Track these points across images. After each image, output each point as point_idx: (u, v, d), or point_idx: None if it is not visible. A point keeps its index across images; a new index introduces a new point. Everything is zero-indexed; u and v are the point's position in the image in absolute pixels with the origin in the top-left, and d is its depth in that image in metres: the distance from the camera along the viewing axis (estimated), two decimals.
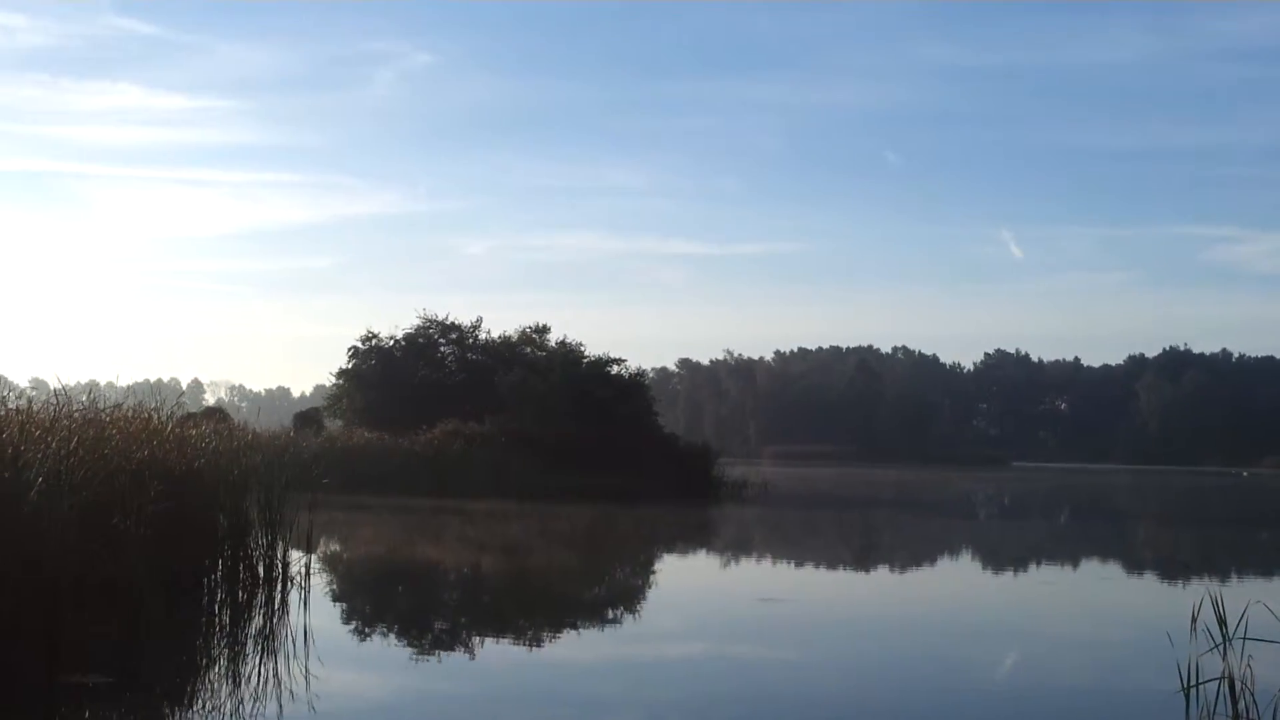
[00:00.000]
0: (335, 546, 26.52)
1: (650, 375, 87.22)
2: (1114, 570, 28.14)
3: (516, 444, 48.62)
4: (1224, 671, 8.58)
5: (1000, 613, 19.45)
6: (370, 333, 60.87)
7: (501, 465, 46.81)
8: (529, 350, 59.73)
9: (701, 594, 21.17)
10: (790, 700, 11.85)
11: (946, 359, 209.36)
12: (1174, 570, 25.38)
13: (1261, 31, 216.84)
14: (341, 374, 60.93)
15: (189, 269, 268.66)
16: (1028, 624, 18.18)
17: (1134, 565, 28.90)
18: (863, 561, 28.59)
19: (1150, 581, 25.02)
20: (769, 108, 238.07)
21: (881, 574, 26.29)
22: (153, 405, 18.14)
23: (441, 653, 14.57)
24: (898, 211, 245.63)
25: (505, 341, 61.09)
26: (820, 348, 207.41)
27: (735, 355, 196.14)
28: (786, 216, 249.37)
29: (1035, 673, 13.90)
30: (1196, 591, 9.05)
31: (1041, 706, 11.85)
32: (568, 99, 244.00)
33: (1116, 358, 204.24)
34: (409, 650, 14.71)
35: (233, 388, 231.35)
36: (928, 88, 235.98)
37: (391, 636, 15.88)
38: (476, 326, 61.63)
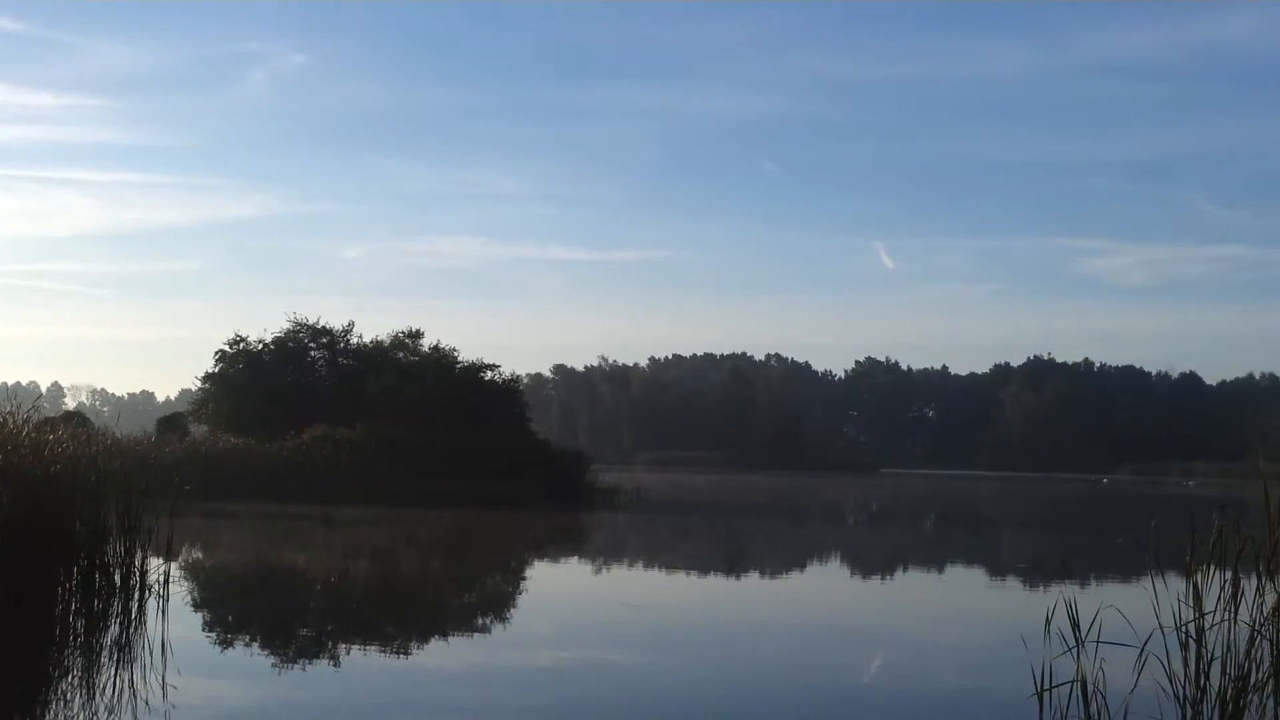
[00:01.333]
0: (197, 554, 25.94)
1: (524, 381, 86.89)
2: (977, 575, 28.73)
3: (387, 450, 48.05)
4: (1077, 674, 8.78)
5: (867, 617, 19.72)
6: (238, 336, 59.70)
7: (371, 471, 46.21)
8: (401, 355, 59.13)
9: (572, 600, 21.13)
10: (660, 705, 11.86)
11: (819, 367, 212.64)
12: (1034, 575, 25.98)
13: (1133, 48, 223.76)
14: (207, 378, 59.61)
15: (51, 270, 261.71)
16: (894, 628, 18.45)
17: (996, 570, 29.53)
18: (734, 567, 28.78)
19: (1011, 586, 25.57)
20: (648, 115, 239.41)
21: (752, 579, 26.49)
22: (8, 409, 17.53)
23: (306, 662, 14.30)
24: (774, 220, 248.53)
25: (377, 346, 60.39)
26: (695, 355, 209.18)
27: (610, 362, 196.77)
28: (664, 224, 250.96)
29: (900, 677, 14.11)
30: (1054, 596, 9.24)
31: (905, 710, 12.03)
32: (446, 103, 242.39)
33: (983, 366, 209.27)
34: (272, 659, 14.40)
35: (94, 391, 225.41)
36: (806, 98, 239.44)
37: (254, 646, 15.55)
38: (348, 331, 60.85)
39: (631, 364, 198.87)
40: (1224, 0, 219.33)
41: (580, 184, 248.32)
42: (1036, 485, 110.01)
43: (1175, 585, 9.14)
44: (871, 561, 30.88)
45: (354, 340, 60.86)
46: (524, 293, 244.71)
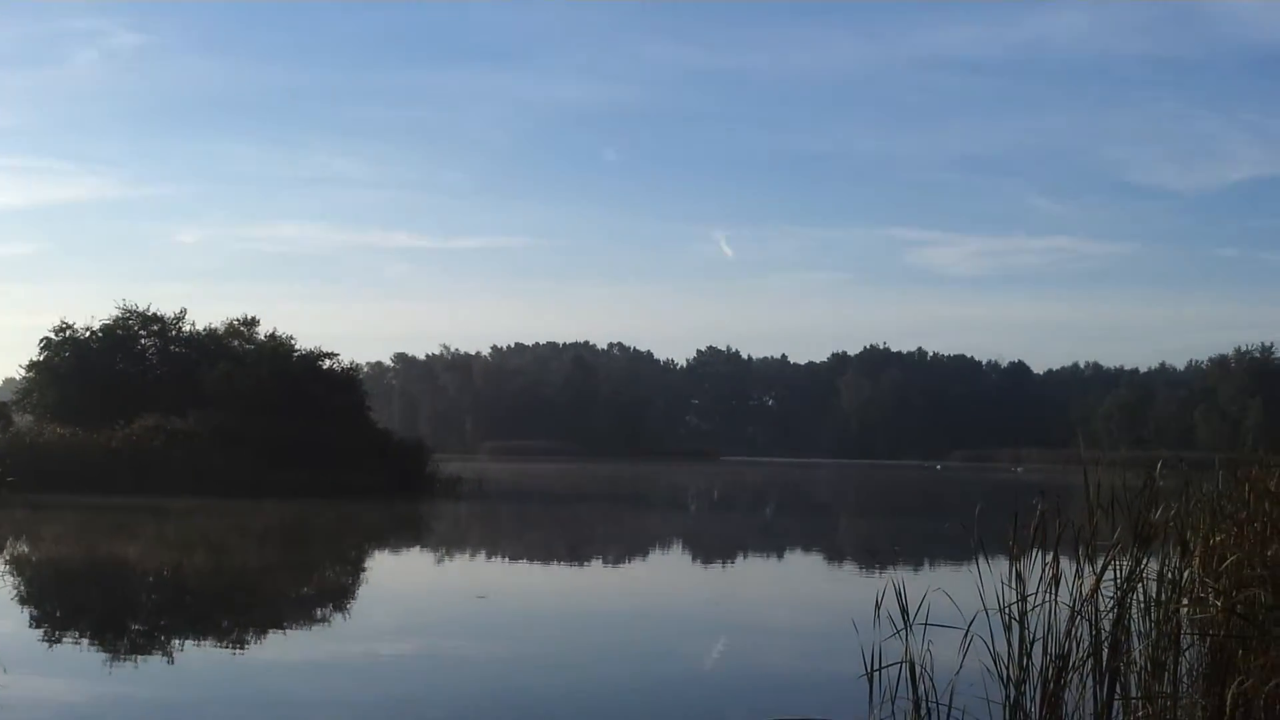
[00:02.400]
0: (23, 548, 25.13)
1: (364, 370, 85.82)
2: (815, 560, 29.35)
3: (222, 440, 47.03)
4: (905, 656, 9.08)
5: (709, 604, 19.99)
6: (64, 323, 57.68)
7: (205, 462, 45.19)
8: (237, 343, 57.84)
9: (414, 591, 21.01)
10: (504, 695, 11.90)
11: (661, 356, 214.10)
12: (868, 559, 26.66)
13: (962, 43, 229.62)
14: (32, 366, 57.52)
15: None
16: (735, 614, 18.78)
17: (833, 555, 30.21)
18: (577, 555, 28.92)
19: (848, 570, 26.19)
20: (495, 100, 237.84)
21: (595, 568, 26.64)
22: None
23: (139, 657, 13.97)
24: (615, 209, 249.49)
25: (212, 334, 58.96)
26: (538, 343, 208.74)
27: (453, 350, 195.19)
28: (508, 211, 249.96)
29: (740, 661, 14.38)
30: (887, 579, 9.53)
31: (744, 693, 12.28)
32: (287, 85, 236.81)
33: (821, 355, 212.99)
34: (103, 655, 14.02)
35: None
36: (647, 86, 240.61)
37: (85, 641, 15.13)
38: (180, 318, 59.21)
39: (474, 353, 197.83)
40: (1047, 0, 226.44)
41: (425, 170, 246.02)
42: (873, 471, 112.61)
43: (1000, 568, 9.50)
44: (713, 548, 31.31)
45: (187, 328, 59.32)
46: (366, 280, 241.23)
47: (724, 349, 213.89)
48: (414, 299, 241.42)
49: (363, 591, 21.09)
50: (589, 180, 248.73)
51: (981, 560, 9.69)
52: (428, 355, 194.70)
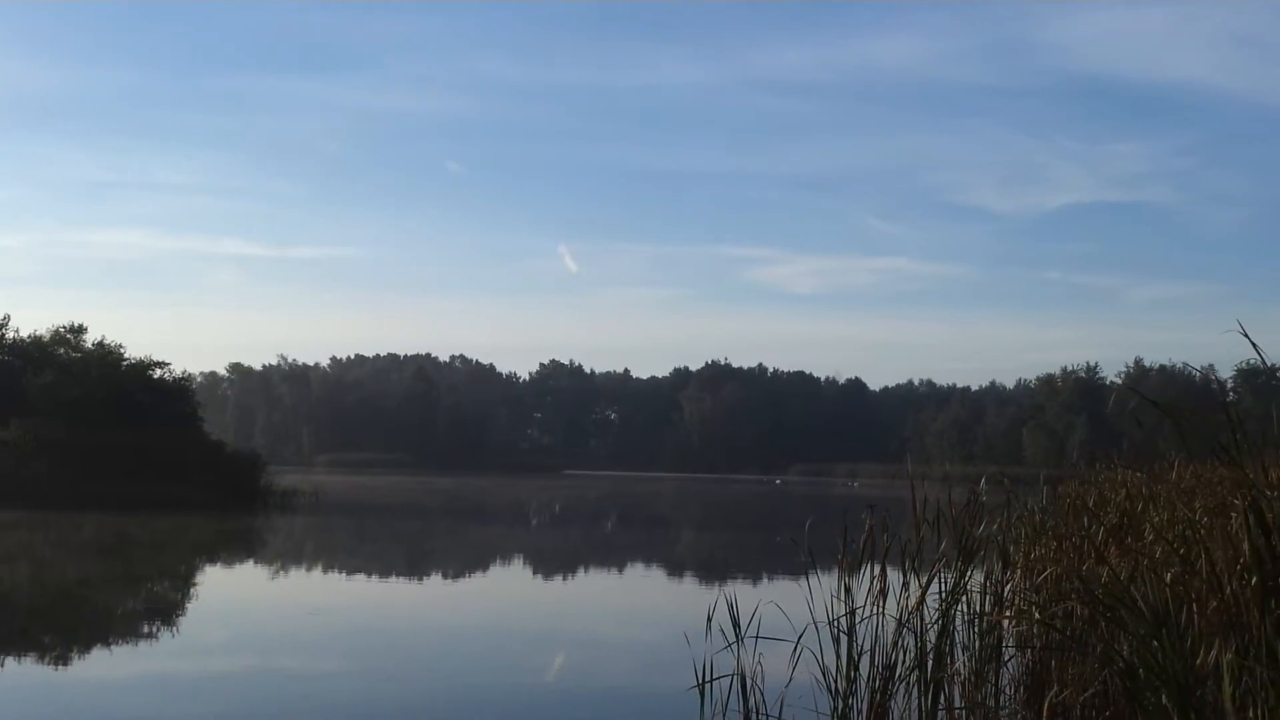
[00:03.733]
0: None
1: (197, 380, 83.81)
2: (655, 574, 29.53)
3: (46, 451, 45.47)
4: (736, 668, 9.24)
5: (549, 618, 20.00)
6: None
7: (29, 473, 43.67)
8: (63, 351, 55.99)
9: (247, 606, 20.60)
10: (337, 711, 11.75)
11: (504, 369, 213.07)
12: (706, 573, 26.95)
13: (796, 66, 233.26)
14: None
15: None
16: (574, 628, 18.82)
17: (672, 569, 30.44)
18: (415, 570, 28.64)
19: (687, 584, 26.42)
20: (328, 109, 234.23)
21: (434, 582, 26.43)
22: None
23: None
24: (458, 221, 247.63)
25: (36, 342, 56.95)
26: (378, 355, 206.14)
27: (290, 361, 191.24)
28: (347, 221, 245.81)
29: (577, 675, 14.43)
30: (724, 593, 9.68)
31: (580, 707, 12.33)
32: (113, 89, 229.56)
33: (663, 370, 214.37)
34: None
35: None
36: (491, 100, 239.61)
37: None
38: (3, 325, 57.11)
39: (312, 364, 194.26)
40: (879, 25, 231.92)
41: (255, 177, 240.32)
42: (713, 486, 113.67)
43: (830, 581, 9.73)
44: (553, 563, 31.30)
45: (9, 335, 57.23)
46: (198, 288, 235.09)
47: (567, 363, 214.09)
48: (249, 309, 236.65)
49: (193, 607, 20.60)
50: (431, 191, 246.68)
51: (814, 574, 9.91)
52: (264, 365, 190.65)
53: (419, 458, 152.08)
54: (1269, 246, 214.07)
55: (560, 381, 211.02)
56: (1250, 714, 6.39)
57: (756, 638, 9.34)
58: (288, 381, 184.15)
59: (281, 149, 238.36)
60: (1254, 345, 7.47)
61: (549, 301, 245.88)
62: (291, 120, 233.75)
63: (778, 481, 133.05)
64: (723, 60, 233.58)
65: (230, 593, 22.81)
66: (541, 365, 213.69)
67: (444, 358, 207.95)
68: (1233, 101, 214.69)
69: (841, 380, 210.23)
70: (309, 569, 28.94)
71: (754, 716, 9.12)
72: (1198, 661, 7.06)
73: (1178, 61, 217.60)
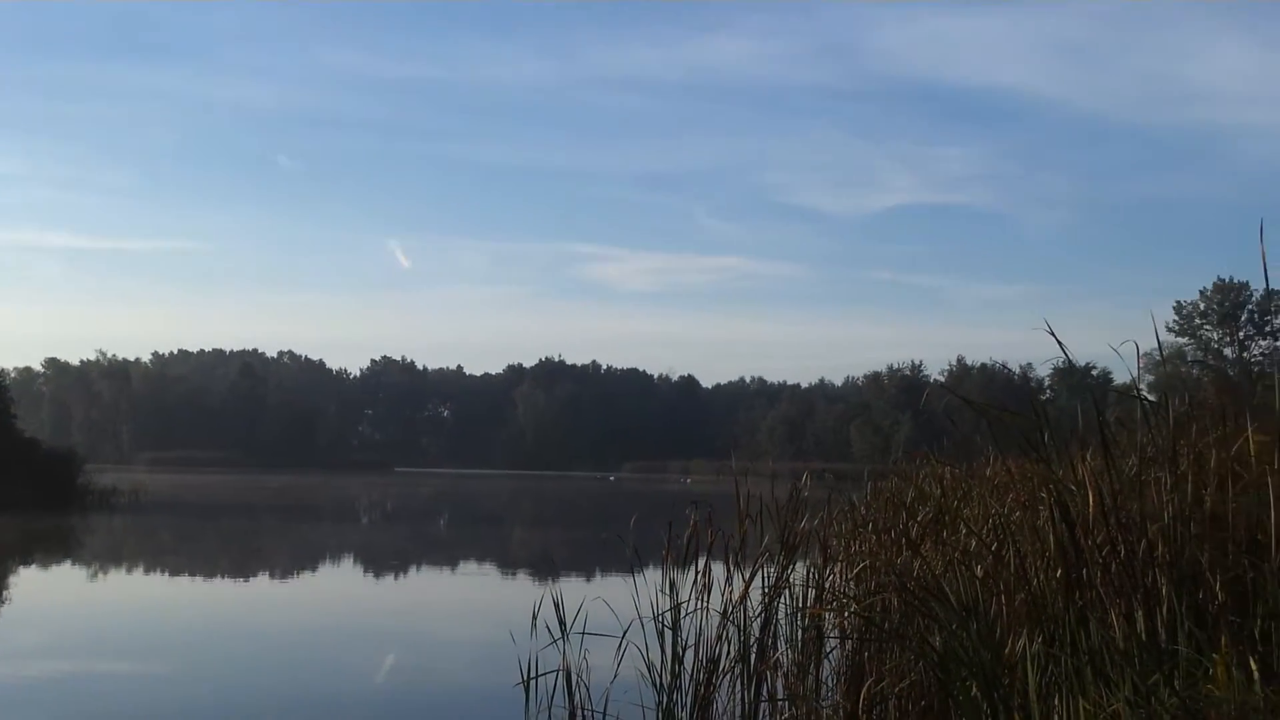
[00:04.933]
0: None
1: (11, 375, 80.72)
2: (486, 571, 29.47)
3: None
4: (561, 665, 9.32)
5: (379, 617, 19.83)
6: None
7: None
8: None
9: (62, 608, 19.98)
10: (158, 715, 11.49)
11: (334, 365, 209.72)
12: (537, 570, 26.97)
13: (636, 64, 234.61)
14: None
15: None
16: (405, 626, 18.69)
17: (505, 566, 30.40)
18: (241, 570, 28.08)
19: (520, 581, 26.41)
20: (161, 99, 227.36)
21: (260, 582, 25.96)
22: None
23: None
24: (289, 215, 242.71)
25: None
26: (203, 350, 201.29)
27: (110, 356, 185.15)
28: (177, 214, 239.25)
29: (409, 674, 14.35)
30: (551, 590, 9.76)
31: (407, 708, 12.29)
32: None
33: (497, 367, 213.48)
34: None
35: None
36: (323, 92, 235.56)
37: None
38: None
39: (133, 359, 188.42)
40: (721, 26, 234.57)
41: (83, 167, 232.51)
42: (546, 483, 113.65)
43: (656, 577, 9.86)
44: (384, 561, 30.98)
45: None
46: (14, 280, 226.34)
47: (399, 359, 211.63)
48: (67, 302, 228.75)
49: (5, 610, 19.87)
50: (262, 185, 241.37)
51: (641, 570, 10.04)
52: (82, 361, 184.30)
53: (246, 456, 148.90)
54: (1087, 248, 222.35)
55: (391, 378, 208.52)
56: (1055, 702, 6.67)
57: (583, 634, 9.43)
58: (107, 378, 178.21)
59: (110, 140, 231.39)
60: (1059, 344, 7.83)
61: (381, 298, 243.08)
62: (127, 110, 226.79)
63: (611, 478, 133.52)
64: (568, 57, 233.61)
65: (45, 595, 22.08)
66: (373, 361, 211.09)
67: (272, 354, 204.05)
68: (1054, 106, 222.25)
69: (675, 378, 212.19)
70: (129, 570, 28.14)
71: (579, 712, 9.21)
72: (1006, 651, 7.35)
73: (1003, 67, 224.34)
